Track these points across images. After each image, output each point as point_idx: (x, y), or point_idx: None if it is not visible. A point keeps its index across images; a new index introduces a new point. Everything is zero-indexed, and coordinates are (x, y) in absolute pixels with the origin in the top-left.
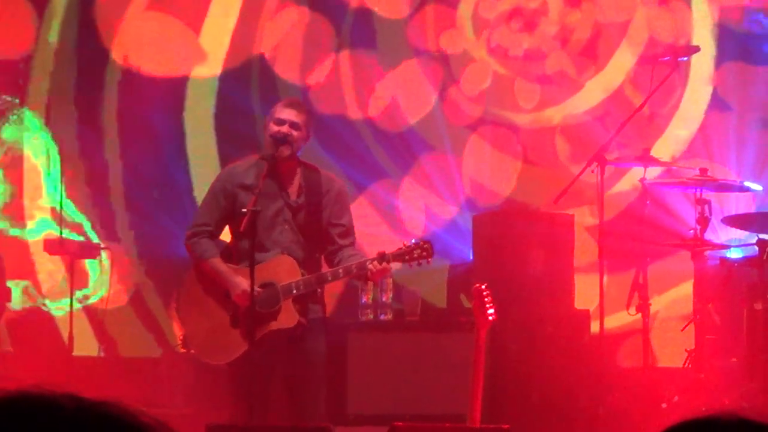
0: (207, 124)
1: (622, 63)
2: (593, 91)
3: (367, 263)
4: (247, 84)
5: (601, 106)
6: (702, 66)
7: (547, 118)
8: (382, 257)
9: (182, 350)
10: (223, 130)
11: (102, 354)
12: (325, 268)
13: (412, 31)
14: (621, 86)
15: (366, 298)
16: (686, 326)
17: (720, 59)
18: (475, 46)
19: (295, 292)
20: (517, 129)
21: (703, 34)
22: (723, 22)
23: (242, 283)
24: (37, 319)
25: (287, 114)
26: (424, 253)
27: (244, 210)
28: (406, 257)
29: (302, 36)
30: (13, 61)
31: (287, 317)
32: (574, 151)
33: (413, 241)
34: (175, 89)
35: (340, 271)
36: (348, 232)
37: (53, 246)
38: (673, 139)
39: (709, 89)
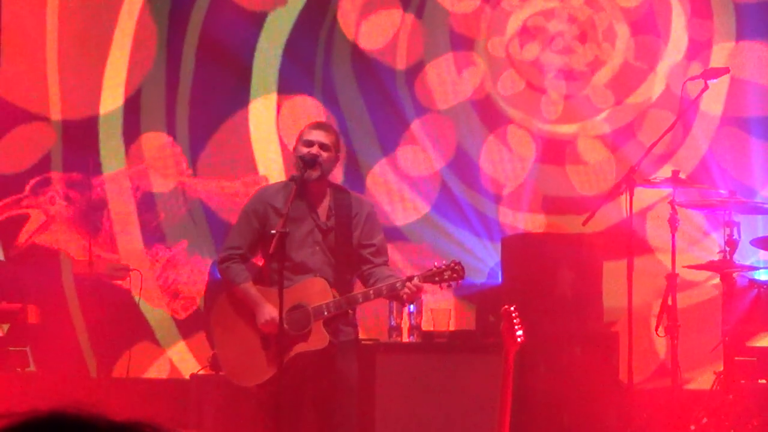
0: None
1: (650, 90)
2: (621, 114)
3: (397, 285)
4: None
5: (628, 127)
6: (723, 89)
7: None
8: (411, 279)
9: (210, 371)
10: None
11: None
12: (358, 289)
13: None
14: (647, 110)
15: (395, 320)
16: (715, 348)
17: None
18: (516, 54)
19: (326, 313)
20: (537, 135)
21: (722, 56)
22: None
23: (270, 311)
24: (62, 339)
25: (315, 135)
26: (455, 275)
27: (273, 231)
28: (437, 278)
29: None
30: None
31: (318, 339)
32: (605, 174)
33: (444, 262)
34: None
35: (371, 292)
36: (380, 251)
37: (82, 267)
38: (698, 161)
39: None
